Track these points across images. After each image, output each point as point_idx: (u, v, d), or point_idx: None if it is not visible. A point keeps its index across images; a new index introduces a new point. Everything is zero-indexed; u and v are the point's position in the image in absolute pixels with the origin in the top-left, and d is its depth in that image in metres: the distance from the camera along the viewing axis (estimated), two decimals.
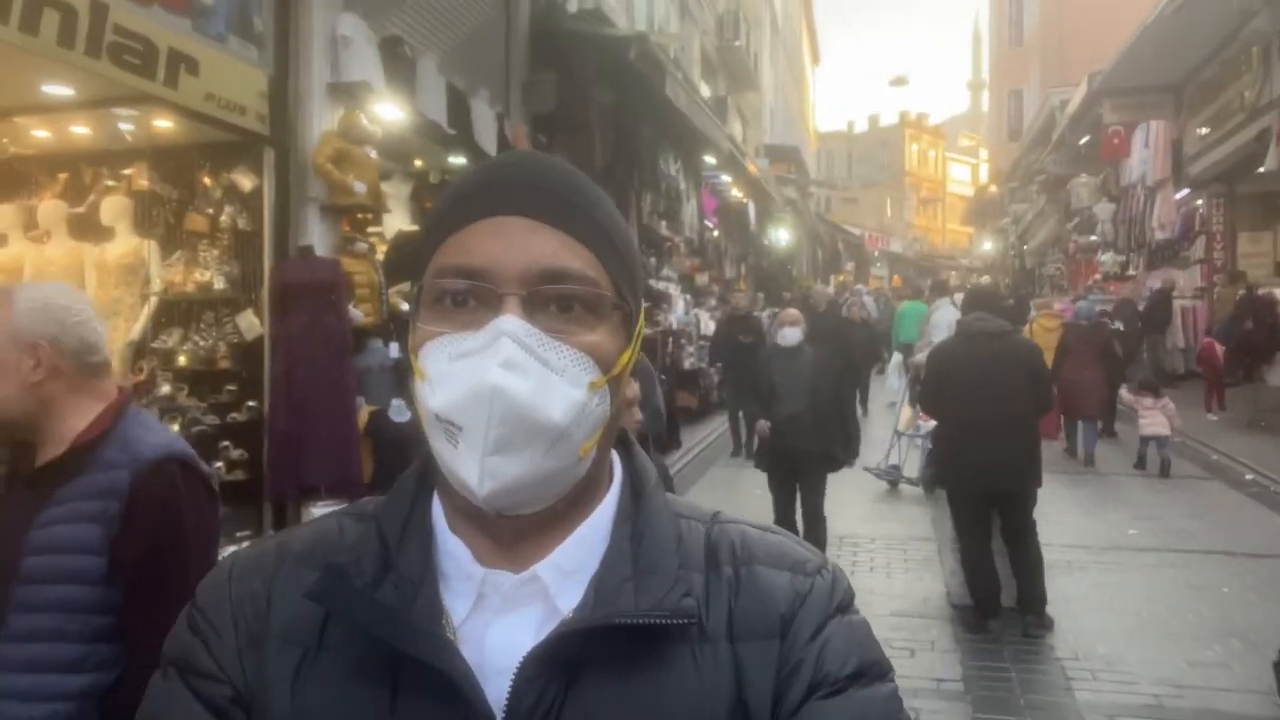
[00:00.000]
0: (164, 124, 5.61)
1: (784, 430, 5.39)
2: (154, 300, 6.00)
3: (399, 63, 6.89)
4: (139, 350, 5.95)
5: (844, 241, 34.23)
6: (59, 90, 5.10)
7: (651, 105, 10.55)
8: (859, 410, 10.56)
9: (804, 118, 41.88)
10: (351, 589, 0.72)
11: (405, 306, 6.80)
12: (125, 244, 5.98)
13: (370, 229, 6.34)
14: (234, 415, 5.93)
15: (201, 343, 6.01)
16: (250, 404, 5.97)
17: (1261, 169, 10.89)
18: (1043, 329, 9.23)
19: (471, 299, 0.72)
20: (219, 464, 5.76)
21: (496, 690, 0.70)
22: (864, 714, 0.72)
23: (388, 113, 6.62)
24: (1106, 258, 18.59)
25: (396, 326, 6.67)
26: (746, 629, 0.74)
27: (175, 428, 5.56)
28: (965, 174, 62.67)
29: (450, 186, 0.80)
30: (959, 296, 9.05)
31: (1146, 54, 13.74)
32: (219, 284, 5.97)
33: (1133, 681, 4.13)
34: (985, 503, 4.75)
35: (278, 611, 0.75)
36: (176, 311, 6.14)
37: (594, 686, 0.70)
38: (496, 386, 0.67)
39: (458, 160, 8.24)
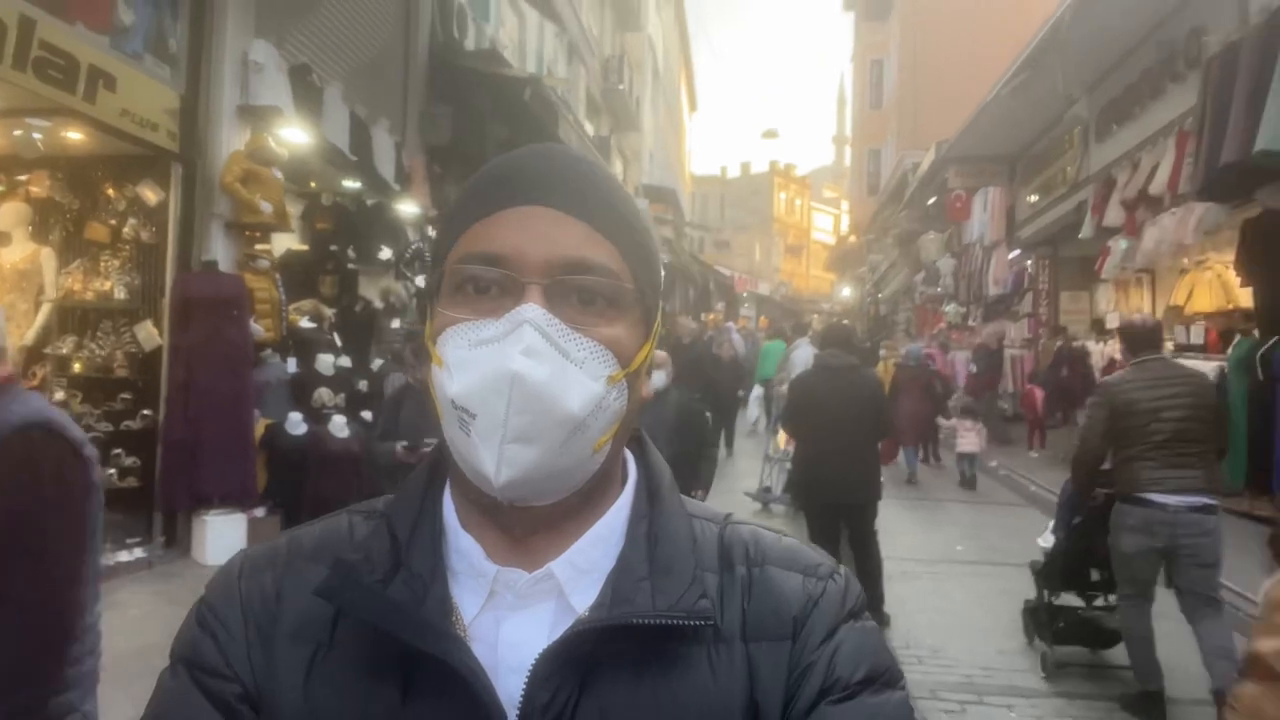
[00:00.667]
0: (74, 135, 5.74)
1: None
2: (48, 306, 6.04)
3: (307, 89, 7.19)
4: (32, 355, 5.97)
5: (715, 281, 35.57)
6: None
7: (541, 140, 11.09)
8: (723, 449, 11.35)
9: (680, 161, 43.43)
10: (361, 585, 0.71)
11: (304, 323, 7.04)
12: (21, 250, 6.02)
13: (259, 246, 6.55)
14: (128, 423, 6.04)
15: (98, 350, 6.09)
16: (145, 413, 6.09)
17: (1080, 236, 12.36)
18: (886, 368, 10.30)
19: (494, 287, 0.72)
20: (111, 471, 5.85)
21: (509, 688, 0.69)
22: (876, 719, 0.72)
23: (294, 137, 6.89)
24: (950, 308, 20.30)
25: (295, 343, 6.88)
26: (759, 629, 0.75)
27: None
28: (828, 223, 65.97)
29: (471, 180, 0.79)
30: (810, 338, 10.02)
31: (985, 128, 15.33)
32: (120, 294, 6.09)
33: (952, 665, 4.88)
34: (834, 514, 5.45)
35: (288, 609, 0.75)
36: (72, 319, 6.19)
37: (609, 685, 0.70)
38: (517, 373, 0.67)
39: (352, 184, 8.52)
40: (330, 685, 0.71)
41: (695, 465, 4.83)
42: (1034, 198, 16.02)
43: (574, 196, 0.74)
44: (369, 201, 8.79)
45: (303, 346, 6.84)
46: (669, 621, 0.70)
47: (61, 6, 5.08)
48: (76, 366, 6.03)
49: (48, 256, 6.03)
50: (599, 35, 22.22)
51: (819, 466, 5.42)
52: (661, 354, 5.06)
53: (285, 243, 7.63)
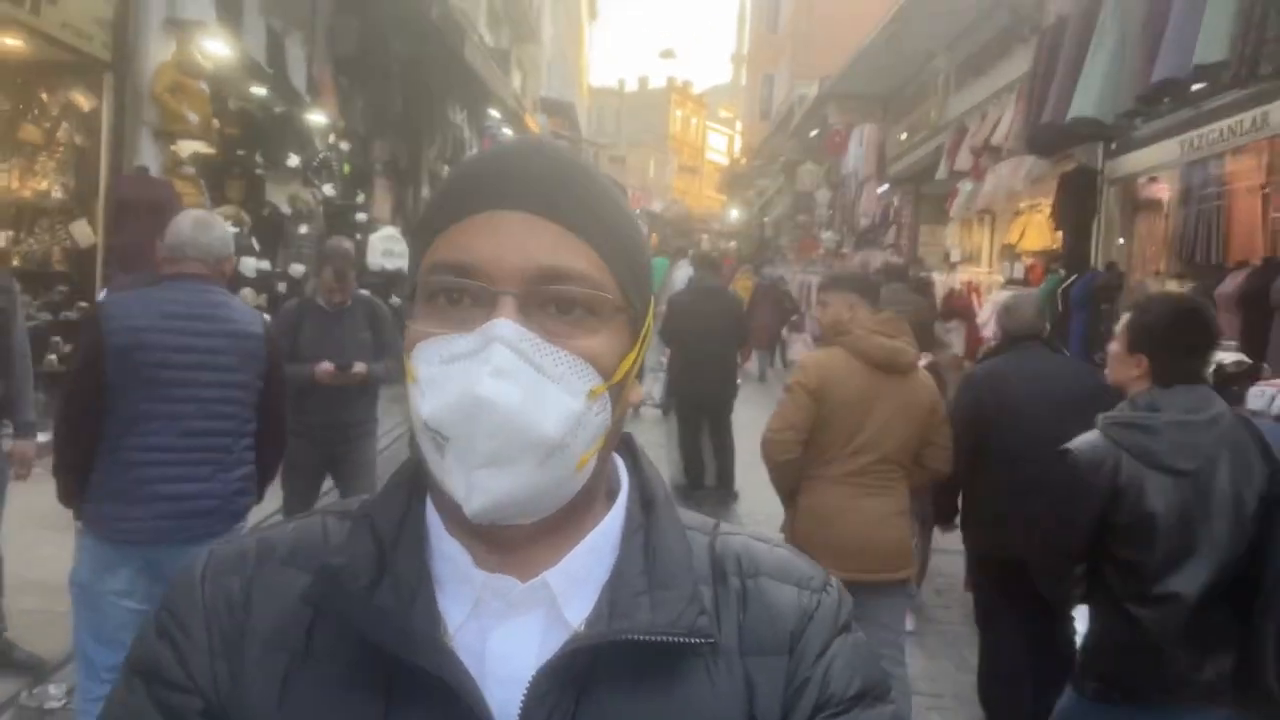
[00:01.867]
0: (12, 43, 6.11)
1: None
2: None
3: (228, 2, 7.57)
4: None
5: None
6: None
7: (445, 59, 11.57)
8: None
9: (580, 72, 43.27)
10: (347, 593, 0.68)
11: (231, 227, 7.61)
12: None
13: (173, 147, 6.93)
14: (65, 313, 6.58)
15: (35, 245, 6.56)
16: (81, 304, 6.64)
17: (936, 177, 13.75)
18: (745, 285, 11.65)
19: (466, 297, 0.68)
20: (51, 356, 6.42)
21: (499, 700, 0.67)
22: None
23: (217, 49, 7.33)
24: (827, 236, 21.78)
25: None
26: (756, 644, 0.73)
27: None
28: (723, 144, 66.84)
29: (445, 179, 0.76)
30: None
31: (864, 69, 16.47)
32: (57, 193, 6.54)
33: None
34: (699, 410, 6.59)
35: (259, 615, 0.71)
36: (7, 215, 6.61)
37: (607, 701, 0.68)
38: (485, 398, 0.64)
39: (259, 91, 8.91)
40: (308, 697, 0.68)
41: None
42: (903, 136, 17.37)
43: (549, 199, 0.69)
44: (277, 109, 9.19)
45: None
46: (670, 639, 0.69)
47: None
48: (15, 260, 6.49)
49: None
50: None
51: (690, 370, 6.54)
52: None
53: (192, 148, 8.05)
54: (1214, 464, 2.22)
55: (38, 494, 4.64)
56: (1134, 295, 9.42)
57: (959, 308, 12.40)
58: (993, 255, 12.98)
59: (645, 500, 0.77)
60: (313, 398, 4.31)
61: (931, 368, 5.84)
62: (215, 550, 0.76)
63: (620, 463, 0.79)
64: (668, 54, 57.48)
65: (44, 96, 6.56)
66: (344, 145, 10.72)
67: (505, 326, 0.65)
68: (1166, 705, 2.23)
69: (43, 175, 6.54)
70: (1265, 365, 5.21)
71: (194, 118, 6.93)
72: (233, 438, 2.82)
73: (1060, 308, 9.30)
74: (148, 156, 6.78)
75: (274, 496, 4.65)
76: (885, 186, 17.65)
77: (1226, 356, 6.39)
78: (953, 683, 3.51)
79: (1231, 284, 6.90)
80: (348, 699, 0.68)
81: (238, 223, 7.73)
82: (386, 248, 10.28)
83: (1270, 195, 7.18)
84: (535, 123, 19.61)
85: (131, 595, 2.71)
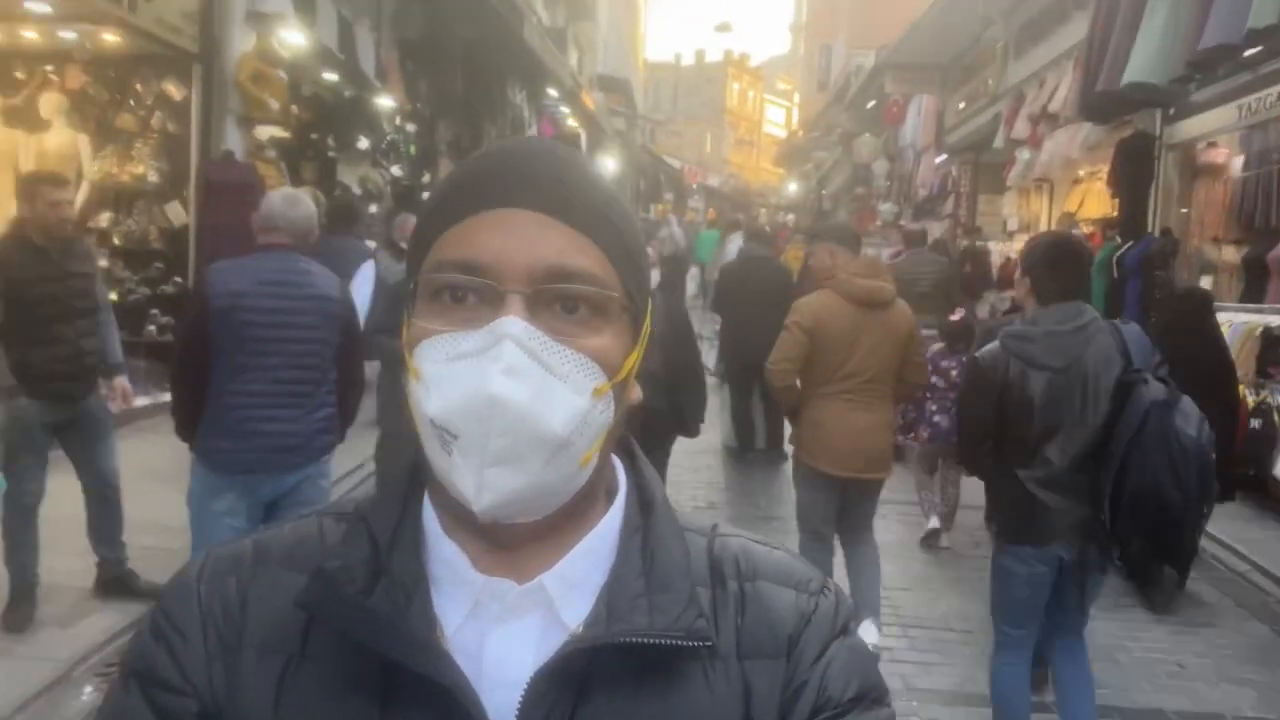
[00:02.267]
0: (110, 38, 6.62)
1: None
2: (86, 186, 7.03)
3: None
4: (74, 229, 6.97)
5: (664, 173, 36.36)
6: (41, 7, 6.05)
7: (505, 41, 11.91)
8: None
9: (635, 47, 43.30)
10: (342, 596, 0.68)
11: None
12: (60, 136, 6.95)
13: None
14: (163, 288, 7.14)
15: (134, 225, 7.12)
16: (176, 280, 7.19)
17: (994, 145, 13.69)
18: (797, 255, 11.87)
19: (471, 295, 0.68)
20: (150, 327, 6.99)
21: (496, 703, 0.67)
22: None
23: (294, 38, 7.78)
24: (886, 207, 21.69)
25: None
26: (753, 647, 0.74)
27: (114, 295, 6.75)
28: (780, 116, 66.19)
29: (450, 174, 0.75)
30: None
31: (922, 38, 16.37)
32: (152, 177, 7.08)
33: None
34: (748, 375, 6.87)
35: (255, 617, 0.71)
36: (108, 198, 7.18)
37: (604, 703, 0.68)
38: (497, 396, 0.64)
39: (331, 76, 9.37)
40: (304, 699, 0.68)
41: (686, 389, 4.08)
42: (961, 105, 17.23)
43: (557, 198, 0.69)
44: (347, 94, 9.65)
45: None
46: (668, 642, 0.69)
47: None
48: (116, 239, 7.06)
49: (83, 143, 6.97)
50: None
51: (739, 336, 6.82)
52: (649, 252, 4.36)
53: (269, 132, 8.55)
54: (1080, 361, 2.82)
55: (152, 448, 5.15)
56: (1190, 263, 9.40)
57: (1013, 277, 12.42)
58: (1051, 223, 12.90)
59: (644, 502, 0.77)
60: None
61: (961, 323, 6.08)
62: (212, 552, 0.76)
63: (619, 464, 0.79)
64: (724, 27, 57.16)
65: (139, 87, 7.08)
66: (410, 127, 11.16)
67: (515, 324, 0.66)
68: (1044, 544, 2.87)
69: (139, 160, 7.07)
70: None
71: (274, 104, 7.40)
72: (315, 385, 3.25)
73: (1115, 274, 9.31)
74: (232, 141, 7.27)
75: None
76: (943, 156, 17.54)
77: (1256, 317, 6.47)
78: (982, 620, 3.78)
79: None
80: (344, 702, 0.68)
81: (315, 203, 8.22)
82: None
83: None
84: (591, 100, 19.88)
85: (235, 515, 3.16)
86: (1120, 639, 4.30)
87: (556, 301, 0.68)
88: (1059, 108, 11.29)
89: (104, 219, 7.10)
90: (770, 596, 0.76)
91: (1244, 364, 6.21)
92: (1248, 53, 7.32)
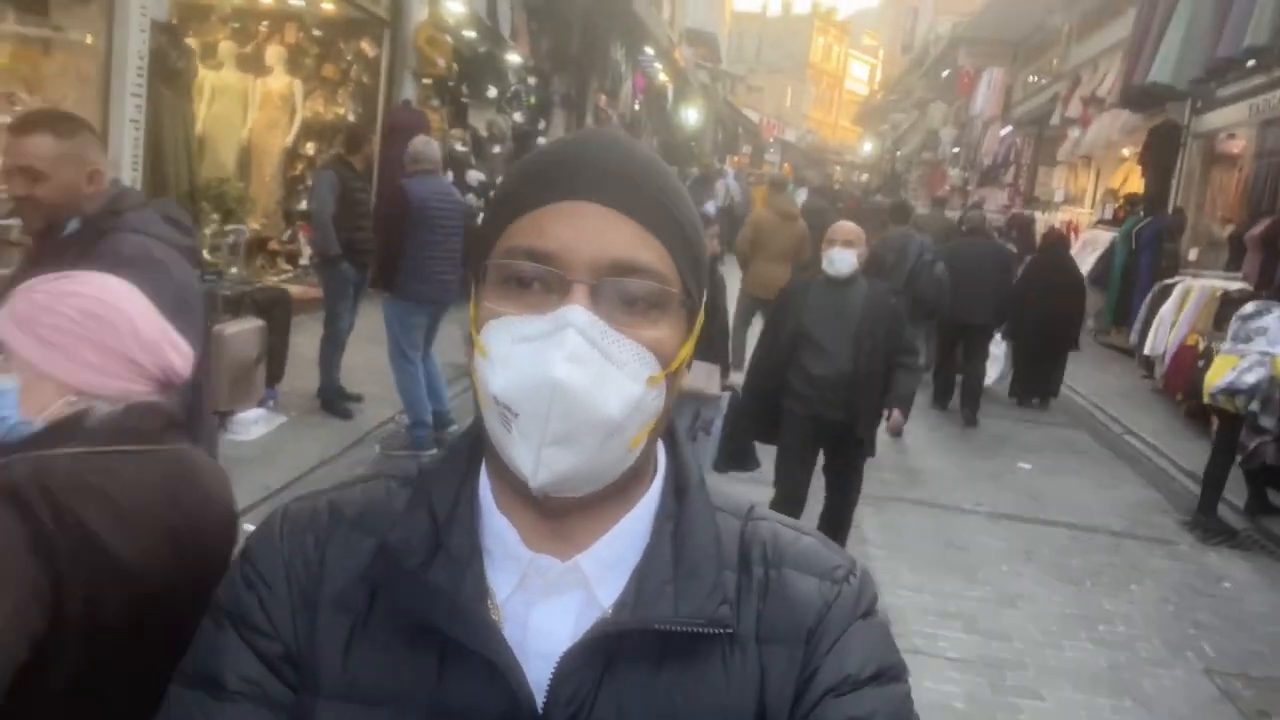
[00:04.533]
0: (327, 6, 8.53)
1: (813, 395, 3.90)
2: (299, 120, 9.00)
3: None
4: (289, 155, 8.98)
5: (743, 126, 37.50)
6: None
7: (613, 6, 13.56)
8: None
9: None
10: (402, 570, 0.74)
11: (458, 146, 9.98)
12: (279, 80, 8.91)
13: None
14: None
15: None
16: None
17: (1051, 122, 14.96)
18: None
19: (537, 282, 0.71)
20: None
21: (537, 673, 0.72)
22: (876, 710, 0.74)
23: (457, 7, 9.61)
24: (955, 173, 22.89)
25: (453, 161, 9.87)
26: (772, 633, 0.76)
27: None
28: (864, 72, 65.87)
29: (523, 163, 0.79)
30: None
31: (995, 15, 17.50)
32: (350, 117, 9.03)
33: None
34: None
35: (330, 577, 0.77)
36: (314, 131, 9.16)
37: (627, 682, 0.73)
38: (560, 381, 0.68)
39: (469, 33, 11.14)
40: (369, 658, 0.74)
41: (885, 382, 3.87)
42: (1033, 78, 18.35)
43: (625, 193, 0.73)
44: (481, 49, 11.45)
45: (455, 163, 9.81)
46: (690, 629, 0.73)
47: None
48: (320, 163, 9.04)
49: (298, 87, 8.92)
50: None
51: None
52: (853, 227, 3.98)
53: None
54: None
55: (364, 319, 7.14)
56: (1199, 238, 10.78)
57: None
58: (1095, 198, 14.21)
59: (679, 487, 0.80)
60: None
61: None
62: (290, 509, 0.82)
63: (661, 448, 0.82)
64: None
65: (340, 45, 8.99)
66: (531, 80, 12.95)
67: (579, 314, 0.69)
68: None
69: (340, 103, 9.01)
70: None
71: (441, 62, 9.26)
72: (458, 252, 5.19)
73: (1133, 246, 10.76)
74: (409, 92, 9.17)
75: None
76: (1008, 129, 18.72)
77: (1229, 284, 7.97)
78: None
79: (1258, 228, 8.38)
80: (405, 662, 0.73)
81: (465, 142, 10.12)
82: None
83: None
84: (681, 55, 21.36)
85: (421, 329, 5.18)
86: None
87: (618, 294, 0.71)
88: (1106, 93, 12.58)
89: (310, 148, 9.07)
90: (793, 584, 0.78)
91: (1204, 318, 7.76)
92: (1250, 63, 8.68)
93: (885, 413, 3.97)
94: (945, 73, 21.30)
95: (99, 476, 1.16)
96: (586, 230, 0.72)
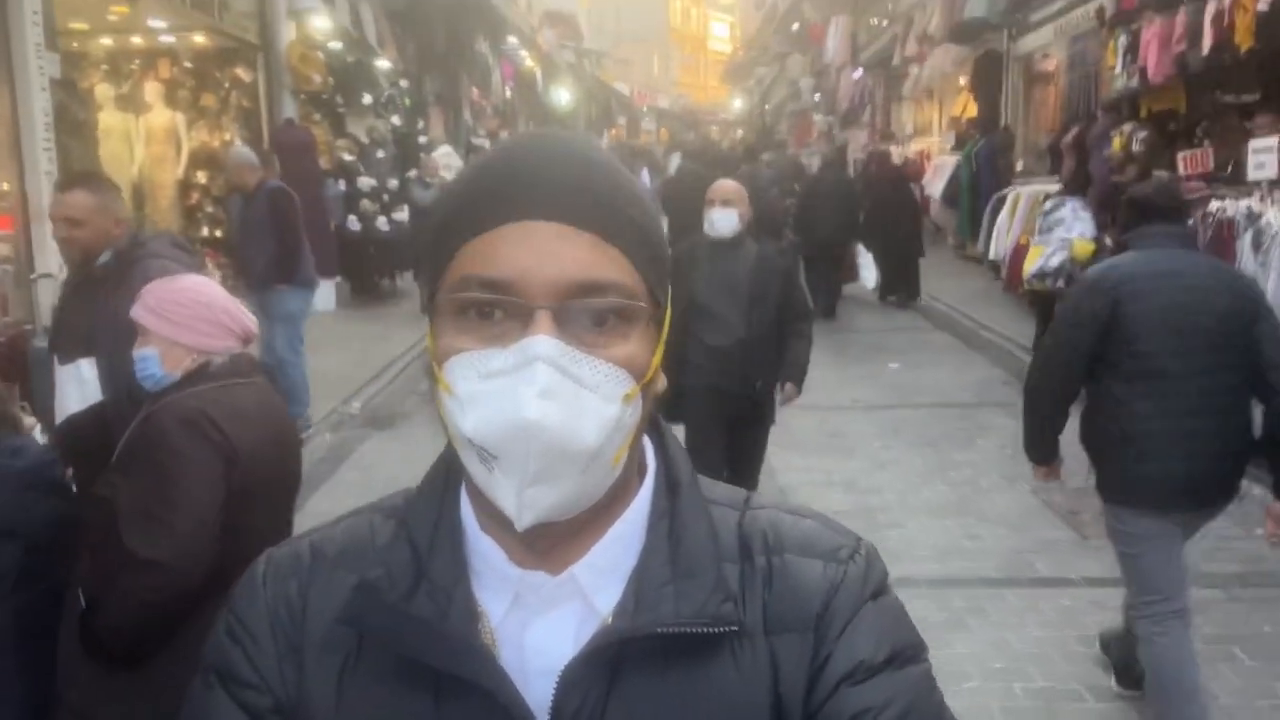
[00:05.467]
0: (200, 39, 8.89)
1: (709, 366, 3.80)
2: (185, 150, 9.33)
3: None
4: (183, 186, 9.31)
5: (615, 99, 38.19)
6: (158, 23, 8.28)
7: (475, 2, 14.06)
8: None
9: None
10: (384, 606, 0.72)
11: (346, 156, 10.43)
12: (161, 115, 9.22)
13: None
14: None
15: (224, 179, 9.44)
16: None
17: (892, 63, 16.14)
18: None
19: (499, 311, 0.68)
20: None
21: (538, 691, 0.70)
22: (895, 696, 0.72)
23: (323, 24, 10.04)
24: (819, 119, 24.13)
25: (342, 170, 10.32)
26: (780, 622, 0.74)
27: (219, 232, 9.13)
28: (725, 31, 67.25)
29: (465, 178, 0.75)
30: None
31: None
32: (238, 141, 9.40)
33: None
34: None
35: (314, 619, 0.75)
36: (202, 160, 9.50)
37: (635, 689, 0.70)
38: (535, 422, 0.65)
39: (336, 45, 11.54)
40: (362, 695, 0.72)
41: (779, 347, 3.81)
42: (875, 21, 19.56)
43: (579, 205, 0.69)
44: (349, 59, 11.85)
45: (346, 171, 10.27)
46: (693, 630, 0.70)
47: None
48: (213, 190, 9.40)
49: (180, 119, 9.25)
50: None
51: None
52: (734, 186, 3.91)
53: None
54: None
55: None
56: (1028, 149, 12.03)
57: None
58: (941, 126, 15.47)
59: (670, 484, 0.78)
60: None
61: None
62: (273, 555, 0.80)
63: (647, 443, 0.79)
64: None
65: (216, 74, 9.33)
66: (403, 83, 13.38)
67: (546, 344, 0.66)
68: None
69: (225, 130, 9.37)
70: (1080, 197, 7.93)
71: (316, 78, 9.69)
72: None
73: (974, 166, 11.95)
74: (290, 110, 9.58)
75: None
76: (860, 72, 19.93)
77: (1051, 187, 9.13)
78: None
79: (1069, 136, 9.56)
80: (399, 696, 0.71)
81: (352, 152, 10.58)
82: (446, 162, 13.06)
83: (1100, 71, 9.66)
84: (544, 39, 21.90)
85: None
86: None
87: (585, 315, 0.68)
88: (935, 30, 13.76)
89: (201, 176, 9.42)
90: (797, 570, 0.76)
91: (1031, 220, 8.90)
92: None
93: (779, 385, 3.84)
94: (795, 26, 22.42)
95: (229, 400, 1.86)
96: (542, 252, 0.68)
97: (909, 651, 0.75)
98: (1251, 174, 5.14)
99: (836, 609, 0.74)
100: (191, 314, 1.88)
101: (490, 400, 0.67)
